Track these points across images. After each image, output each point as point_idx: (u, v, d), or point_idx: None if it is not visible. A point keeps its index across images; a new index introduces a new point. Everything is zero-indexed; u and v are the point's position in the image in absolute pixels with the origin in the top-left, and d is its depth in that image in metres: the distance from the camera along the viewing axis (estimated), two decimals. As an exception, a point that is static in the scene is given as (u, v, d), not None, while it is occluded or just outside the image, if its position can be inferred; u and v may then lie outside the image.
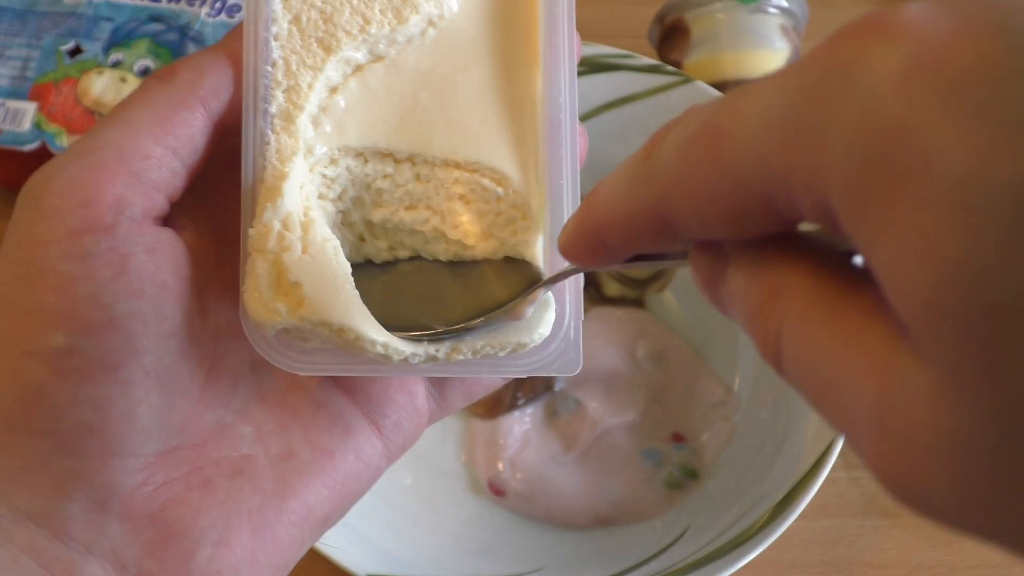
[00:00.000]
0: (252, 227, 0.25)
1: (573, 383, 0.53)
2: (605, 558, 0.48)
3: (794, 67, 0.16)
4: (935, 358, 0.14)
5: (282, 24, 0.27)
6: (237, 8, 0.58)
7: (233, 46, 0.26)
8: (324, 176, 0.27)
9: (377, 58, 0.28)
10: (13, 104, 0.55)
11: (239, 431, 0.26)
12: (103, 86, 0.55)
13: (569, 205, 0.28)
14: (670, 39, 0.60)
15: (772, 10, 0.58)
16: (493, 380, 0.29)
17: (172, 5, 0.58)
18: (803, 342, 0.17)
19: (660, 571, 0.44)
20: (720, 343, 0.54)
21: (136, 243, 0.24)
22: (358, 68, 0.27)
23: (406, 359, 0.25)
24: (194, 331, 0.25)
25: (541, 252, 0.27)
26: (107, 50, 0.57)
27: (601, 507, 0.50)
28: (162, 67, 0.26)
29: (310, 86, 0.26)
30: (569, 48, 0.28)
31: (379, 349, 0.25)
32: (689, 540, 0.46)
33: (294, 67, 0.26)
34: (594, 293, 0.56)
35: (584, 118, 0.53)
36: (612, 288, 0.56)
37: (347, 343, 0.25)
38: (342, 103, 0.27)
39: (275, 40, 0.27)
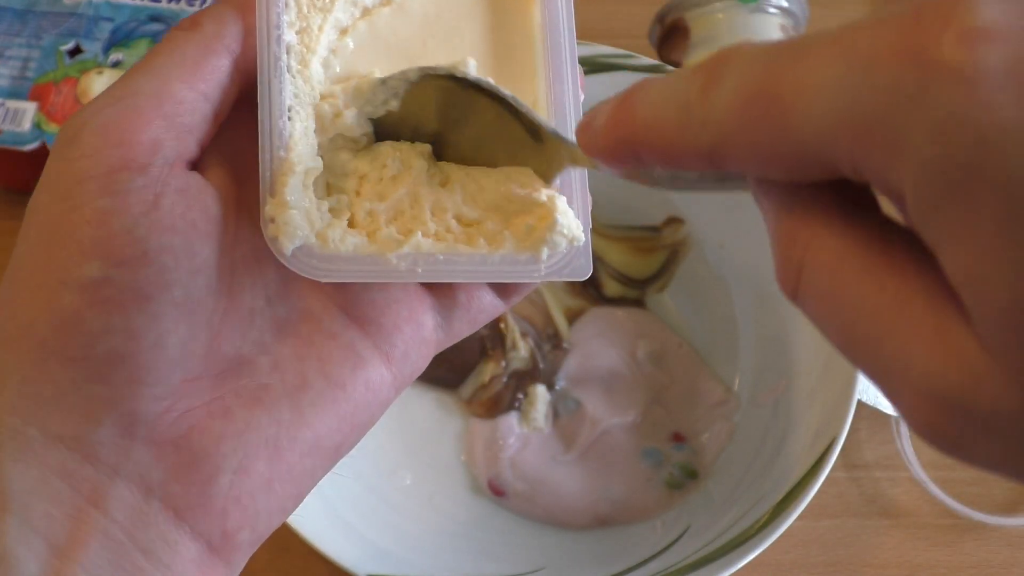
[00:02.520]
0: (278, 152, 0.26)
1: (573, 383, 0.53)
2: (605, 558, 0.48)
3: (858, 41, 0.16)
4: (1007, 358, 0.15)
5: None
6: (237, 8, 0.58)
7: None
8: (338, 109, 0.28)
9: (385, 2, 0.29)
10: (13, 104, 0.55)
11: (257, 361, 0.26)
12: (103, 86, 0.55)
13: (578, 172, 0.28)
14: (670, 39, 0.60)
15: (772, 10, 0.58)
16: (497, 305, 0.30)
17: (172, 5, 0.58)
18: (833, 281, 0.18)
19: (660, 571, 0.44)
20: (720, 343, 0.54)
21: (168, 183, 0.25)
22: (366, 11, 0.29)
23: (421, 267, 0.27)
24: (218, 267, 0.26)
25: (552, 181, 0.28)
26: (107, 50, 0.57)
27: (601, 507, 0.50)
28: (185, 18, 0.27)
29: (320, 27, 0.27)
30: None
31: (403, 260, 0.26)
32: (689, 540, 0.46)
33: (305, 9, 0.27)
34: (594, 293, 0.56)
35: (584, 118, 0.53)
36: (612, 288, 0.56)
37: (374, 257, 0.26)
38: (351, 44, 0.28)
39: None
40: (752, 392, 0.52)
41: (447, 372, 0.53)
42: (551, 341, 0.54)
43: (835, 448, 0.44)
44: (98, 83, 0.55)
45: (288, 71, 0.27)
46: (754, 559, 0.42)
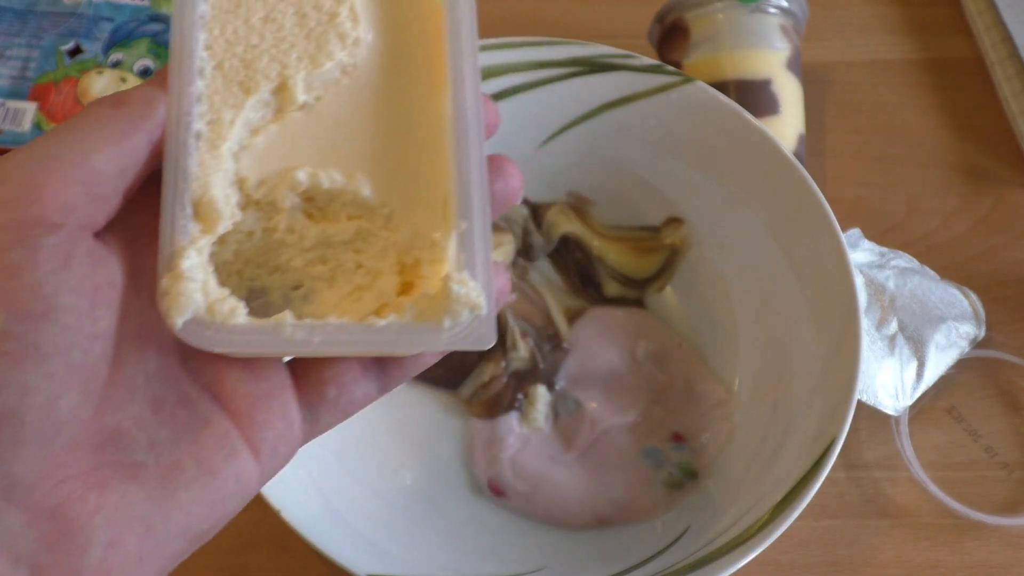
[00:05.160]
0: (179, 224, 0.27)
1: (573, 383, 0.53)
2: (605, 558, 0.48)
3: None
4: None
5: (207, 69, 0.29)
6: (237, 8, 0.58)
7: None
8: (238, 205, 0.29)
9: (298, 106, 0.29)
10: (13, 104, 0.55)
11: (134, 437, 0.26)
12: (103, 86, 0.55)
13: (480, 233, 0.28)
14: (670, 39, 0.60)
15: (772, 10, 0.58)
16: (370, 395, 0.30)
17: (172, 5, 0.58)
18: None
19: (660, 571, 0.44)
20: (720, 343, 0.54)
21: (79, 245, 0.25)
22: (278, 113, 0.29)
23: (323, 340, 0.27)
24: (114, 336, 0.26)
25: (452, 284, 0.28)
26: (107, 50, 0.57)
27: (601, 507, 0.50)
28: (110, 95, 0.28)
29: (231, 122, 0.28)
30: (474, 75, 0.30)
31: (298, 331, 0.26)
32: (689, 540, 0.46)
33: (217, 104, 0.28)
34: (594, 293, 0.56)
35: (584, 118, 0.53)
36: (612, 288, 0.56)
37: (268, 327, 0.27)
38: (262, 144, 0.29)
39: (200, 78, 0.28)
40: (752, 392, 0.52)
41: (447, 372, 0.53)
42: (551, 341, 0.54)
43: (835, 448, 0.44)
44: (98, 83, 0.55)
45: (196, 152, 0.27)
46: (754, 559, 0.42)
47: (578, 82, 0.52)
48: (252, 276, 0.30)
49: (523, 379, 0.53)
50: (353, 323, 0.27)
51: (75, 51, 0.57)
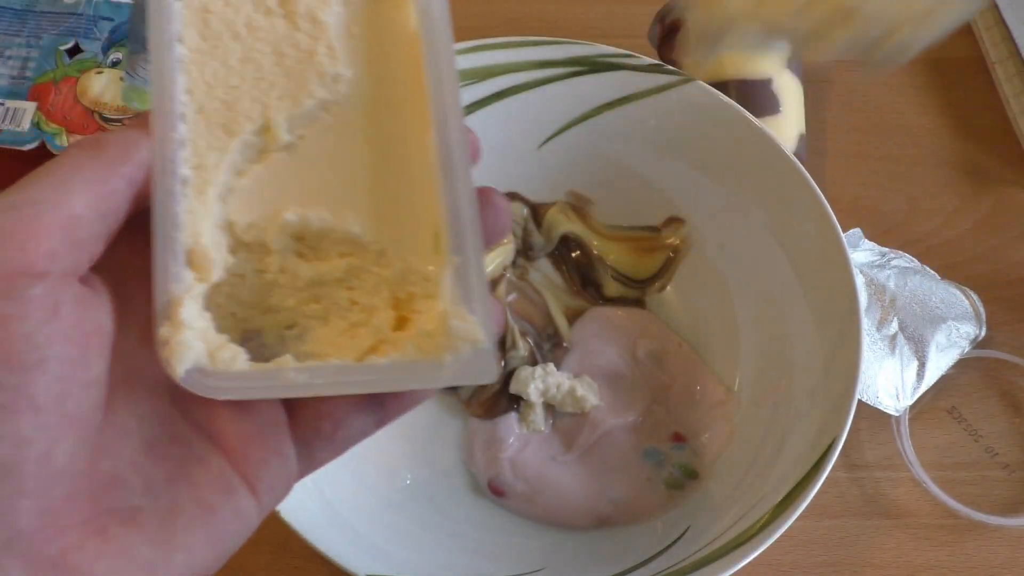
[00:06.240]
0: (174, 272, 0.27)
1: (573, 383, 0.53)
2: (605, 558, 0.48)
3: None
4: None
5: (188, 113, 0.28)
6: (237, 8, 0.58)
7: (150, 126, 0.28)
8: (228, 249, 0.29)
9: (282, 147, 0.29)
10: (13, 104, 0.55)
11: (130, 481, 0.26)
12: (102, 85, 0.55)
13: (474, 266, 0.28)
14: (670, 39, 0.60)
15: (772, 10, 0.58)
16: (367, 429, 0.29)
17: (172, 5, 0.58)
18: None
19: (660, 571, 0.44)
20: (720, 343, 0.54)
21: (66, 292, 0.25)
22: (263, 154, 0.29)
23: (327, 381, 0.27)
24: (105, 382, 0.26)
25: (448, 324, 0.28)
26: (106, 50, 0.57)
27: (601, 507, 0.50)
28: (88, 137, 0.27)
29: (216, 165, 0.28)
30: (455, 106, 0.29)
31: (300, 374, 0.26)
32: (689, 540, 0.46)
33: (202, 148, 0.28)
34: (594, 293, 0.56)
35: (584, 118, 0.53)
36: (612, 288, 0.56)
37: (270, 372, 0.27)
38: (248, 186, 0.29)
39: (182, 123, 0.28)
40: (752, 392, 0.52)
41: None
42: (551, 341, 0.54)
43: (835, 448, 0.44)
44: (97, 82, 0.55)
45: (184, 198, 0.27)
46: (754, 559, 0.42)
47: (578, 82, 0.52)
48: (245, 318, 0.29)
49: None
50: (354, 364, 0.27)
51: (74, 51, 0.57)
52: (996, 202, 0.61)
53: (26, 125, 0.54)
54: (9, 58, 0.56)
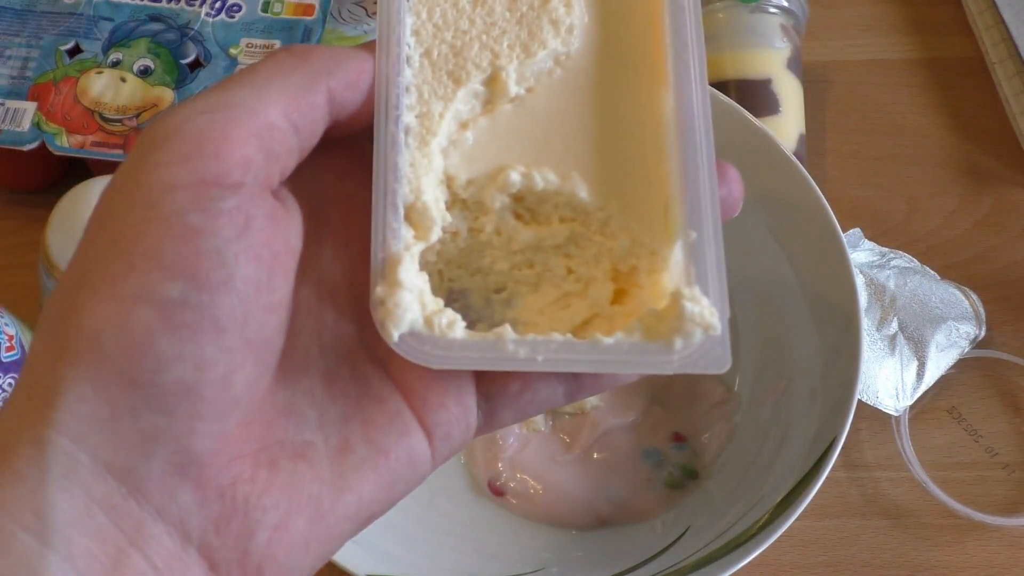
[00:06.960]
0: (396, 229, 0.25)
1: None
2: (605, 558, 0.48)
3: None
4: None
5: (414, 56, 0.27)
6: (237, 8, 0.57)
7: (371, 52, 0.26)
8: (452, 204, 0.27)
9: (509, 99, 0.27)
10: (13, 104, 0.55)
11: (305, 414, 0.25)
12: (102, 86, 0.55)
13: (711, 244, 0.26)
14: (670, 39, 0.60)
15: (772, 10, 0.58)
16: (555, 401, 0.27)
17: (172, 5, 0.58)
18: None
19: (660, 571, 0.44)
20: (720, 343, 0.54)
21: (259, 206, 0.23)
22: (488, 106, 0.27)
23: (544, 356, 0.25)
24: (288, 306, 0.24)
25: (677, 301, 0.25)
26: (106, 50, 0.57)
27: (601, 507, 0.50)
28: (296, 44, 0.26)
29: (441, 115, 0.26)
30: (700, 68, 0.27)
31: (521, 347, 0.24)
32: (689, 540, 0.46)
33: (426, 95, 0.26)
34: (594, 293, 0.56)
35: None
36: (612, 288, 0.56)
37: (488, 343, 0.25)
38: (471, 139, 0.27)
39: (408, 66, 0.26)
40: (752, 392, 0.52)
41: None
42: (551, 341, 0.54)
43: (835, 448, 0.44)
44: (97, 83, 0.55)
45: (406, 149, 0.26)
46: (754, 559, 0.42)
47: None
48: (453, 277, 0.28)
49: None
50: (579, 341, 0.25)
51: (74, 51, 0.57)
52: (996, 202, 0.61)
53: (26, 125, 0.54)
54: (9, 58, 0.56)
